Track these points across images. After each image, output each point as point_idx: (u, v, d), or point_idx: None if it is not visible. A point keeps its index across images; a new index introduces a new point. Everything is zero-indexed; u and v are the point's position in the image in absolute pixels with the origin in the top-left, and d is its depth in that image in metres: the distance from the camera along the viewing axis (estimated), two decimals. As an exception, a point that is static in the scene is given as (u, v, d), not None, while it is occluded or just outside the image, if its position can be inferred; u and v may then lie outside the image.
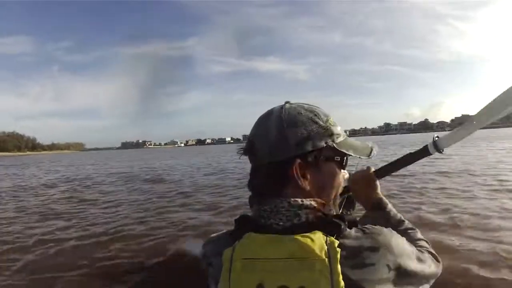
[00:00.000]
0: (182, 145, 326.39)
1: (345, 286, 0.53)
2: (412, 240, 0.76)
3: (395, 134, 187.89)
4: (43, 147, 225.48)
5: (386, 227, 0.69)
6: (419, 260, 0.66)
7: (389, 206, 0.91)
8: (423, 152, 0.95)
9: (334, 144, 0.66)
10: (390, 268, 0.58)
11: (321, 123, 0.65)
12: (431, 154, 0.94)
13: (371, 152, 0.74)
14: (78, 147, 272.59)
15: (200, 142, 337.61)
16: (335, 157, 0.67)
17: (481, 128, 0.92)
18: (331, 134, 0.66)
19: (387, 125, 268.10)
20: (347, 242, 0.57)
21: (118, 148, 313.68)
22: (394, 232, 0.64)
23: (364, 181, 0.96)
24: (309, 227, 0.58)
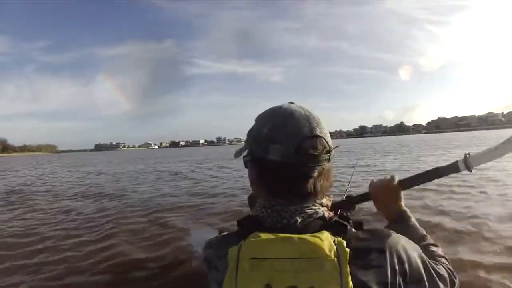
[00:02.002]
0: (156, 147, 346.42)
1: (354, 287, 0.56)
2: (433, 256, 0.80)
3: (371, 136, 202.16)
4: (14, 149, 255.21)
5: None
6: (432, 271, 0.68)
7: (413, 220, 0.92)
8: (452, 168, 0.95)
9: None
10: (397, 272, 0.60)
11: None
12: (460, 171, 0.94)
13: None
14: (51, 149, 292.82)
15: (174, 144, 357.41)
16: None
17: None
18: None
19: (362, 127, 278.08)
20: (355, 242, 0.61)
21: (91, 150, 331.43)
22: (405, 238, 0.67)
23: (386, 191, 0.97)
24: (321, 227, 0.63)
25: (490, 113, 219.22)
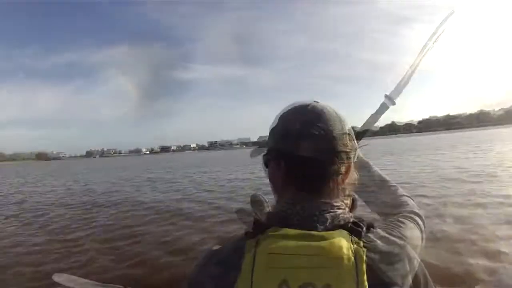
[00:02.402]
0: (148, 152, 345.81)
1: (383, 284, 0.57)
2: (397, 196, 0.89)
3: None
4: (4, 157, 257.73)
5: (371, 185, 0.87)
6: (422, 238, 0.74)
7: (374, 167, 0.98)
8: (383, 108, 1.13)
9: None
10: (412, 259, 0.63)
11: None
12: (389, 107, 1.12)
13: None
14: (42, 156, 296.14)
15: (165, 149, 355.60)
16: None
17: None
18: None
19: (352, 128, 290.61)
20: (379, 243, 0.61)
21: (82, 157, 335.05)
22: (409, 224, 0.73)
23: None
24: (341, 226, 0.62)
25: (481, 111, 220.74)
